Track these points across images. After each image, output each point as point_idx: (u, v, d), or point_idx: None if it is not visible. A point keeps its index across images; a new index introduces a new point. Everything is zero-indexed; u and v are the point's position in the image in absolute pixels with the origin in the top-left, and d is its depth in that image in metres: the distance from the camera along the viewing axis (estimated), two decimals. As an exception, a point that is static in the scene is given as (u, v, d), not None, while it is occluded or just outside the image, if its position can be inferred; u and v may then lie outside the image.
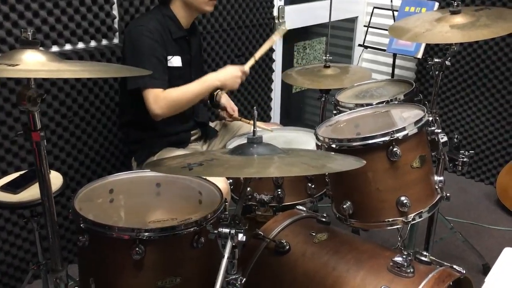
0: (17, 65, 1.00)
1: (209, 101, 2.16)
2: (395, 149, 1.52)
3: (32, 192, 1.74)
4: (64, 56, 2.16)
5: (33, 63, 1.08)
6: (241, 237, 1.14)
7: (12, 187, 1.75)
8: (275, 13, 3.11)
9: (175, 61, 2.06)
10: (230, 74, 2.06)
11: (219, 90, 2.11)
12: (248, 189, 1.86)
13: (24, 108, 1.16)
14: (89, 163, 2.41)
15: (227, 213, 1.56)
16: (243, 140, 1.71)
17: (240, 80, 2.08)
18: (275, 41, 2.40)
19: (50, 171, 1.87)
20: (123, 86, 2.07)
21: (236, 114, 2.36)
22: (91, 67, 1.13)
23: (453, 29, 1.78)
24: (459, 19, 1.81)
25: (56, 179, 1.83)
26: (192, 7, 2.04)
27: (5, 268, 2.25)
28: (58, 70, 1.02)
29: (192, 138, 2.24)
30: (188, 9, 2.05)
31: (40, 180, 1.26)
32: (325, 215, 1.73)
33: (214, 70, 2.79)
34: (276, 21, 3.11)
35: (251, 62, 2.16)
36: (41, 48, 1.14)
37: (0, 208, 2.03)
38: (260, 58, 2.23)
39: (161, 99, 1.93)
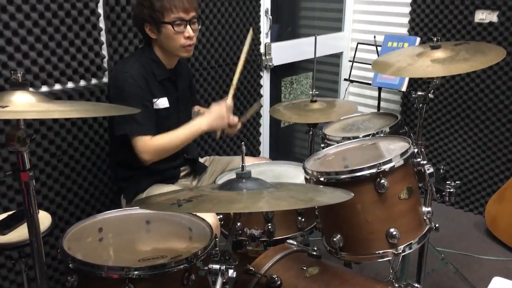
0: (6, 106, 1.01)
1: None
2: (382, 181, 1.54)
3: (20, 233, 1.72)
4: (53, 96, 2.18)
5: (22, 104, 1.10)
6: (231, 273, 1.14)
7: (0, 227, 1.73)
8: (262, 49, 3.18)
9: (162, 102, 2.07)
10: (215, 115, 2.05)
11: None
12: (238, 224, 1.86)
13: (13, 148, 1.16)
14: (78, 201, 2.39)
15: (217, 248, 1.56)
16: (233, 175, 1.73)
17: (227, 118, 2.07)
18: (243, 62, 2.25)
19: (38, 211, 1.87)
20: (112, 127, 2.09)
21: (240, 120, 2.23)
22: (80, 107, 1.14)
23: (434, 63, 1.83)
24: (439, 54, 1.87)
25: (44, 219, 1.82)
26: (170, 52, 2.06)
27: (-9, 311, 2.19)
28: (48, 110, 1.03)
29: (182, 174, 2.24)
30: (167, 52, 2.06)
31: (28, 220, 1.25)
32: (316, 248, 1.73)
33: (206, 100, 2.85)
34: (263, 57, 3.18)
35: (231, 92, 2.15)
36: (30, 89, 1.16)
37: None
38: (237, 83, 2.19)
39: (149, 146, 1.95)
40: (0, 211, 2.10)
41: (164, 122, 2.04)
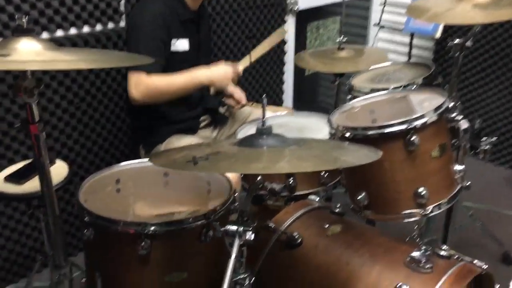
0: (8, 55, 0.93)
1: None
2: (413, 138, 1.43)
3: (36, 183, 1.69)
4: (69, 41, 2.10)
5: (27, 52, 1.02)
6: (249, 235, 1.08)
7: (16, 177, 1.71)
8: (287, -8, 3.00)
9: (181, 44, 1.98)
10: (221, 73, 1.97)
11: None
12: (259, 178, 1.79)
13: (20, 99, 1.10)
14: (97, 150, 2.36)
15: (236, 204, 1.51)
16: (254, 128, 1.65)
17: (231, 81, 1.99)
18: (275, 44, 2.29)
19: (55, 161, 1.84)
20: None
21: (243, 102, 2.24)
22: (88, 56, 1.06)
23: (476, 9, 1.67)
24: (482, -2, 1.70)
25: (61, 169, 1.79)
26: None
27: (15, 257, 2.23)
28: (52, 60, 0.95)
29: (202, 124, 2.18)
30: None
31: (40, 173, 1.21)
32: (338, 205, 1.66)
33: (224, 53, 2.73)
34: (288, 1, 3.00)
35: (245, 62, 2.08)
36: (40, 36, 1.07)
37: (4, 199, 2.00)
38: (256, 60, 2.14)
39: (141, 84, 1.84)
40: (19, 159, 2.09)
41: (180, 66, 1.95)
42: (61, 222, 1.37)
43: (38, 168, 1.20)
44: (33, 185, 1.69)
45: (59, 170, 1.78)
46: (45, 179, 1.21)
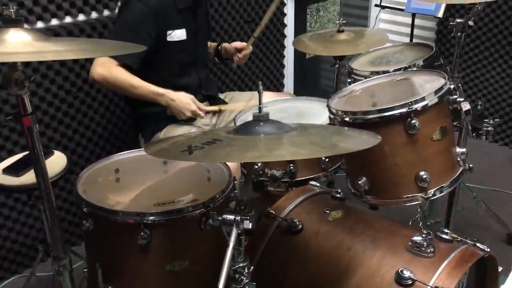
0: (-5, 47, 0.91)
1: (216, 58, 2.16)
2: (413, 121, 1.41)
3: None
4: (64, 30, 2.07)
5: (15, 44, 1.00)
6: (247, 224, 1.07)
7: (14, 169, 1.70)
8: (286, -26, 2.95)
9: (178, 34, 1.95)
10: (182, 108, 1.92)
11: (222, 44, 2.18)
12: (259, 164, 1.78)
13: (12, 92, 1.08)
14: (97, 139, 2.35)
15: (236, 191, 1.50)
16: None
17: (190, 114, 1.94)
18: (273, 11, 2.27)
19: (53, 152, 1.83)
20: None
21: (246, 51, 2.24)
22: (77, 46, 1.04)
23: (478, -13, 1.63)
24: (484, -25, 1.66)
25: (59, 160, 1.78)
26: None
27: (18, 247, 2.24)
28: (41, 51, 0.93)
29: (201, 112, 2.15)
30: None
31: (35, 165, 1.20)
32: (339, 190, 1.65)
33: (222, 38, 2.69)
34: (286, -17, 2.96)
35: (211, 108, 2.09)
36: (34, 26, 1.05)
37: (3, 192, 1.99)
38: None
39: (106, 69, 1.82)
40: (18, 150, 2.08)
41: (177, 56, 1.93)
42: (58, 215, 1.36)
43: (33, 161, 1.19)
44: (31, 176, 1.68)
45: (58, 161, 1.77)
46: (40, 171, 1.19)
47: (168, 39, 1.92)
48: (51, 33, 2.07)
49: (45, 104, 2.12)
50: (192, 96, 1.95)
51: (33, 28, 2.02)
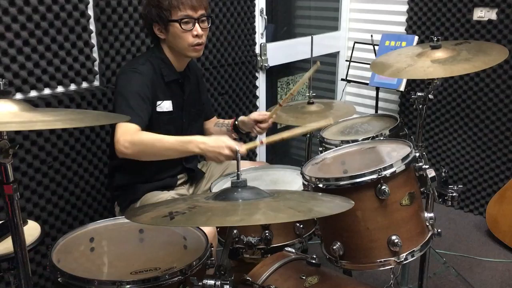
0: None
1: (234, 135, 2.18)
2: (383, 187, 1.48)
3: (7, 245, 1.65)
4: (43, 101, 2.12)
5: (4, 114, 1.04)
6: (227, 288, 1.08)
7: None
8: (257, 50, 3.12)
9: (165, 105, 2.01)
10: (215, 147, 1.80)
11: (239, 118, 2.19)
12: (235, 231, 1.80)
13: (-5, 160, 1.10)
14: (70, 209, 2.33)
15: (213, 258, 1.50)
16: (229, 182, 1.64)
17: (225, 159, 1.83)
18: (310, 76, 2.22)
19: (27, 222, 1.81)
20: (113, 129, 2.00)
21: (266, 124, 2.19)
22: (64, 116, 1.08)
23: (435, 64, 1.78)
24: (440, 54, 1.82)
25: (33, 230, 1.76)
26: (179, 52, 2.00)
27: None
28: (29, 121, 0.97)
29: (179, 182, 2.17)
30: (176, 53, 2.01)
31: (13, 234, 1.19)
32: (315, 256, 1.67)
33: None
34: (259, 58, 3.12)
35: (253, 144, 1.93)
36: (15, 97, 1.09)
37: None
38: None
39: (129, 135, 1.77)
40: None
41: (165, 127, 1.98)
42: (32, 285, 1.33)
43: (11, 229, 1.18)
44: (3, 247, 1.65)
45: (31, 231, 1.75)
46: (19, 240, 1.19)
47: (158, 109, 1.98)
48: (43, 102, 2.11)
49: (19, 174, 2.11)
50: (224, 138, 1.86)
51: (22, 99, 2.05)
